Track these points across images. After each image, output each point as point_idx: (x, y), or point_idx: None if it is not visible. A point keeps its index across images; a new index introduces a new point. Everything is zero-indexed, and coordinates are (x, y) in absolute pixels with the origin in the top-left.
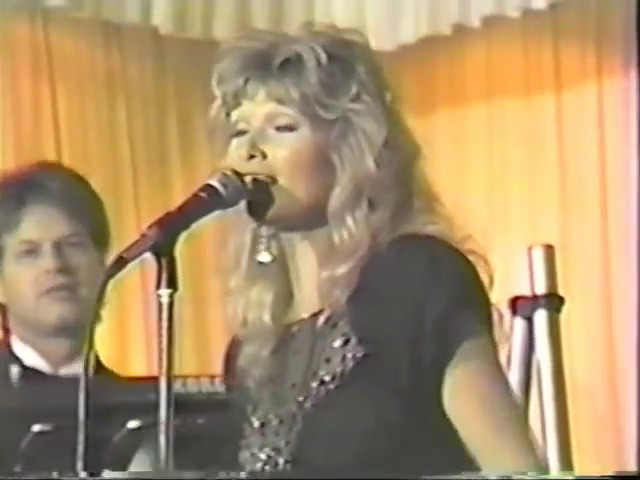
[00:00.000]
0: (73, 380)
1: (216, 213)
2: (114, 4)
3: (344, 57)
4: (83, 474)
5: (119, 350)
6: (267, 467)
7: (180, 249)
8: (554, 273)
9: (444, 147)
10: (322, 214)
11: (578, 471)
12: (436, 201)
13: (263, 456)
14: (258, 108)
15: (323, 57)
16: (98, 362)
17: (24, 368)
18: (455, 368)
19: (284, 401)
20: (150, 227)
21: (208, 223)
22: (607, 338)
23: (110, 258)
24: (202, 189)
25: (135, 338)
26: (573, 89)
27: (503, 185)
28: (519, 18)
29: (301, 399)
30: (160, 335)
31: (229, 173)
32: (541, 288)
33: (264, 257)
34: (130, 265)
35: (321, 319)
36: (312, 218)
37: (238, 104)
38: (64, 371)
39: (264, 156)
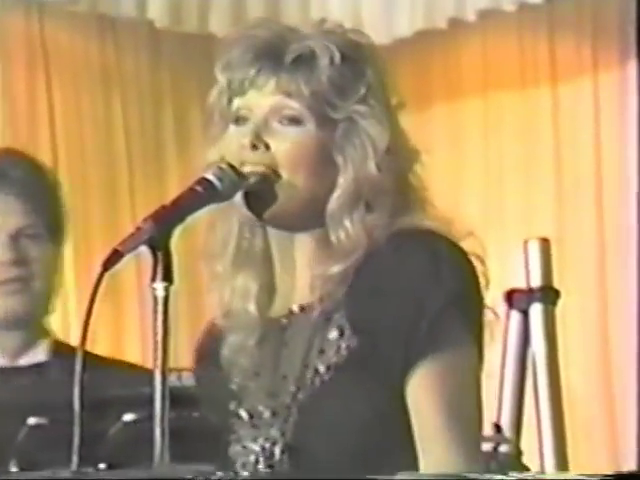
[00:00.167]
0: (33, 369)
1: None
2: None
3: (356, 58)
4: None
5: (114, 343)
6: (261, 459)
7: (176, 242)
8: (550, 266)
9: (440, 141)
10: (319, 212)
11: (573, 464)
12: (431, 206)
13: (256, 448)
14: (264, 99)
15: (337, 56)
16: (56, 345)
17: None
18: (429, 364)
19: (275, 393)
20: (145, 220)
21: (203, 216)
22: (602, 331)
23: (64, 250)
24: (198, 182)
25: (130, 331)
26: (569, 83)
27: (499, 178)
28: (515, 12)
29: (294, 390)
30: (155, 328)
31: (225, 167)
32: (537, 281)
33: (245, 244)
34: (125, 258)
35: (315, 312)
36: (309, 216)
37: (243, 92)
38: (23, 361)
39: (267, 147)
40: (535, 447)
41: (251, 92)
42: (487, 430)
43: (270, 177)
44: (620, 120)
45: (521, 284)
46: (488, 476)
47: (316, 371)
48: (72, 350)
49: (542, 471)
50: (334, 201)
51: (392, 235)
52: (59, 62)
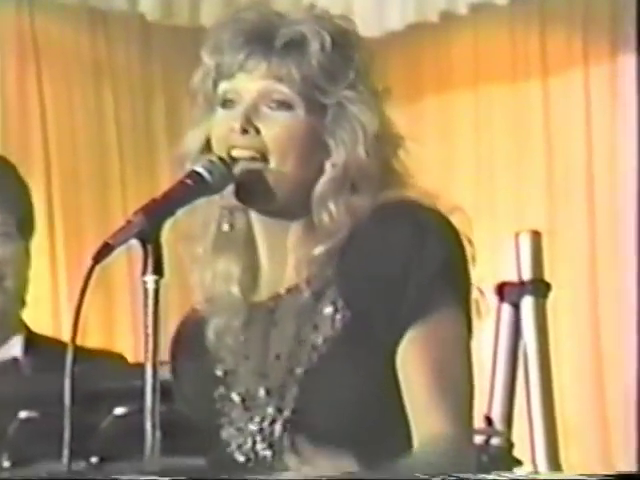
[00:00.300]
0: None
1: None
2: None
3: (344, 44)
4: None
5: (106, 336)
6: (258, 438)
7: (166, 235)
8: (541, 259)
9: (431, 134)
10: (306, 196)
11: (563, 456)
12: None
13: (253, 428)
14: (253, 83)
15: (328, 42)
16: (29, 338)
17: None
18: (418, 330)
19: (267, 373)
20: (136, 213)
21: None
22: (594, 323)
23: (30, 244)
24: (188, 175)
25: (122, 324)
26: (560, 75)
27: (490, 171)
28: (506, 5)
29: (291, 367)
30: (146, 321)
31: (215, 159)
32: (528, 274)
33: (224, 227)
34: (116, 251)
35: (304, 292)
36: (296, 201)
37: (231, 76)
38: None
39: (257, 132)
40: (526, 439)
41: (240, 76)
42: (478, 423)
43: (259, 168)
44: (611, 113)
45: (512, 277)
46: (486, 476)
47: (313, 346)
48: (48, 342)
49: (534, 463)
50: (321, 185)
51: (377, 207)
52: (50, 55)
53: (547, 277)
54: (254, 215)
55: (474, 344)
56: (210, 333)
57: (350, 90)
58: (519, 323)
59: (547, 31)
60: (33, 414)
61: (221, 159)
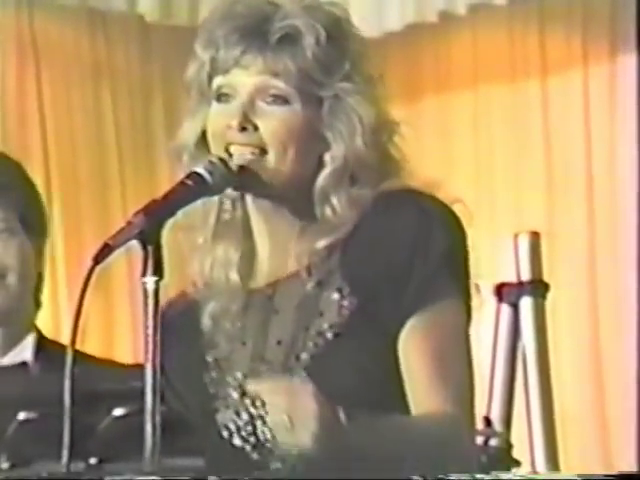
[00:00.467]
0: (18, 367)
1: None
2: None
3: (339, 35)
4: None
5: (106, 337)
6: (258, 423)
7: (166, 236)
8: (540, 260)
9: (430, 134)
10: (305, 187)
11: (563, 457)
12: (412, 174)
13: (254, 411)
14: (249, 78)
15: (322, 35)
16: (41, 342)
17: None
18: (420, 318)
19: (269, 358)
20: (136, 214)
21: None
22: (593, 324)
23: (44, 243)
24: (188, 176)
25: (122, 325)
26: (559, 75)
27: (489, 171)
28: (505, 5)
29: (295, 353)
30: (146, 322)
31: (215, 160)
32: (527, 275)
33: (225, 215)
34: (116, 252)
35: (305, 280)
36: (294, 192)
37: (226, 71)
38: (6, 360)
39: (255, 128)
40: (525, 440)
41: (235, 71)
42: (478, 424)
43: (258, 162)
44: (610, 112)
45: (511, 278)
46: (486, 477)
47: (318, 332)
48: (59, 348)
49: (533, 464)
50: (322, 178)
51: (381, 195)
52: (49, 56)
53: (546, 278)
54: (253, 204)
55: (472, 343)
56: (206, 317)
57: (346, 81)
58: (518, 324)
59: (546, 31)
60: (32, 415)
61: (221, 160)
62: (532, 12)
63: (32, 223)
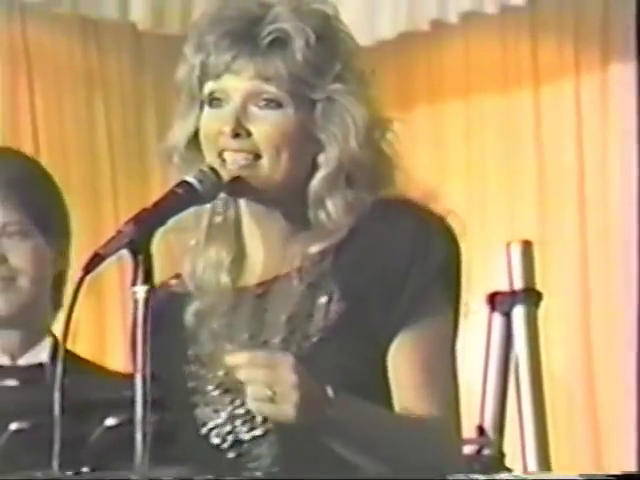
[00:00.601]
0: (32, 369)
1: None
2: (92, 0)
3: (329, 35)
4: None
5: (97, 346)
6: (238, 422)
7: (159, 237)
8: (532, 268)
9: (422, 142)
10: (298, 190)
11: (555, 466)
12: (405, 174)
13: (234, 411)
14: (241, 84)
15: (312, 37)
16: (56, 348)
17: None
18: (412, 332)
19: None
20: (126, 223)
21: None
22: (585, 333)
23: (65, 243)
24: (178, 185)
25: (113, 334)
26: (551, 84)
27: (481, 180)
28: (497, 14)
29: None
30: (136, 332)
31: (206, 169)
32: (519, 284)
33: (217, 218)
34: (107, 261)
35: (296, 281)
36: (289, 196)
37: (218, 76)
38: (22, 361)
39: (248, 134)
40: (518, 449)
41: (226, 76)
42: (470, 433)
43: (251, 168)
44: (602, 121)
45: (504, 287)
46: (494, 476)
47: (304, 335)
48: (73, 356)
49: (525, 471)
50: (317, 181)
51: (378, 203)
52: (41, 64)
53: (538, 286)
54: (246, 207)
55: (465, 353)
56: (189, 314)
57: (338, 82)
58: (510, 332)
59: (538, 39)
60: (24, 425)
61: (212, 169)
62: (524, 21)
63: (49, 224)
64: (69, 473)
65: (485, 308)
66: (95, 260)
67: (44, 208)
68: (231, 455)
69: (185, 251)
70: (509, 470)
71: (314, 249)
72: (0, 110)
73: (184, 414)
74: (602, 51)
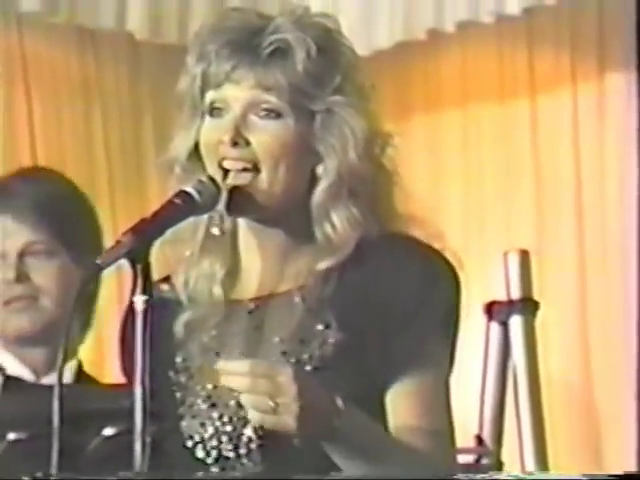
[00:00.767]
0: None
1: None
2: (89, 9)
3: (330, 48)
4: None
5: (96, 356)
6: (224, 438)
7: (154, 248)
8: (529, 278)
9: (419, 152)
10: (298, 204)
11: (553, 470)
12: (405, 192)
13: (220, 426)
14: (241, 93)
15: (313, 49)
16: (80, 370)
17: (7, 377)
18: (412, 376)
19: None
20: (125, 234)
21: None
22: (582, 342)
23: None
24: (177, 195)
25: (112, 344)
26: (548, 94)
27: (478, 190)
28: (493, 23)
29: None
30: (135, 342)
31: (204, 179)
32: (516, 293)
33: (214, 230)
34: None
35: (295, 301)
36: (289, 209)
37: (218, 86)
38: (46, 380)
39: (247, 143)
40: (517, 458)
41: (227, 85)
42: (469, 442)
43: (250, 180)
44: (599, 131)
45: (501, 296)
46: (493, 475)
47: (298, 360)
48: (94, 381)
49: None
50: (318, 194)
51: (385, 238)
52: (38, 74)
53: (536, 296)
54: (245, 220)
55: (463, 362)
56: (179, 325)
57: (337, 94)
58: (508, 342)
59: (535, 49)
60: (22, 435)
61: (211, 179)
62: (520, 30)
63: (78, 243)
64: None
65: (483, 317)
66: (94, 270)
67: (74, 227)
68: (214, 469)
69: (180, 262)
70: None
71: (323, 265)
72: None
73: (169, 423)
74: (599, 61)
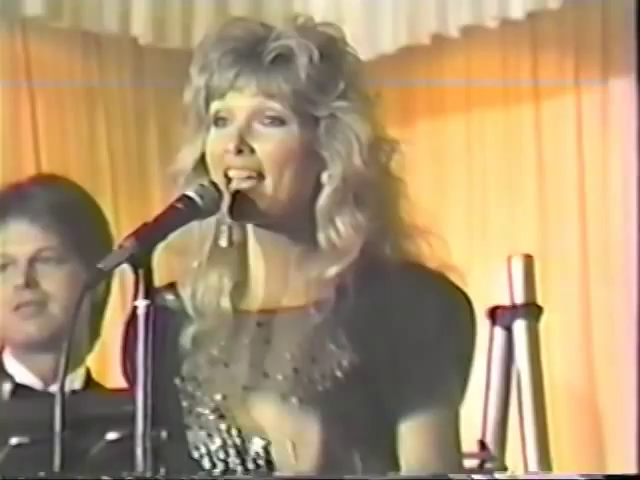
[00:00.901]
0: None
1: None
2: (93, 14)
3: (333, 54)
4: None
5: (99, 360)
6: (231, 450)
7: (161, 257)
8: (533, 283)
9: (423, 157)
10: (305, 212)
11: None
12: (410, 202)
13: (228, 439)
14: (245, 101)
15: (316, 55)
16: (89, 377)
17: (16, 385)
18: (426, 413)
19: (249, 386)
20: (127, 238)
21: None
22: (586, 347)
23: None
24: (179, 200)
25: (115, 349)
26: (551, 99)
27: (482, 195)
28: (497, 28)
29: (282, 392)
30: (137, 346)
31: (206, 184)
32: (520, 298)
33: (222, 242)
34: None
35: (312, 317)
36: (294, 217)
37: (222, 95)
38: (54, 388)
39: (252, 151)
40: (520, 464)
41: (231, 94)
42: (472, 447)
43: (255, 187)
44: (603, 136)
45: (504, 301)
46: (494, 475)
47: (311, 379)
48: (102, 388)
49: None
50: (323, 199)
51: (403, 267)
52: (42, 79)
53: (539, 300)
54: (252, 230)
55: None
56: (187, 337)
57: (342, 100)
58: (512, 347)
59: (538, 55)
60: (24, 439)
61: (212, 183)
62: (524, 36)
63: (90, 251)
64: None
65: (486, 322)
66: (96, 275)
67: (86, 235)
68: (221, 479)
69: (186, 273)
70: None
71: (332, 271)
72: (1, 125)
73: (175, 431)
74: (603, 66)
